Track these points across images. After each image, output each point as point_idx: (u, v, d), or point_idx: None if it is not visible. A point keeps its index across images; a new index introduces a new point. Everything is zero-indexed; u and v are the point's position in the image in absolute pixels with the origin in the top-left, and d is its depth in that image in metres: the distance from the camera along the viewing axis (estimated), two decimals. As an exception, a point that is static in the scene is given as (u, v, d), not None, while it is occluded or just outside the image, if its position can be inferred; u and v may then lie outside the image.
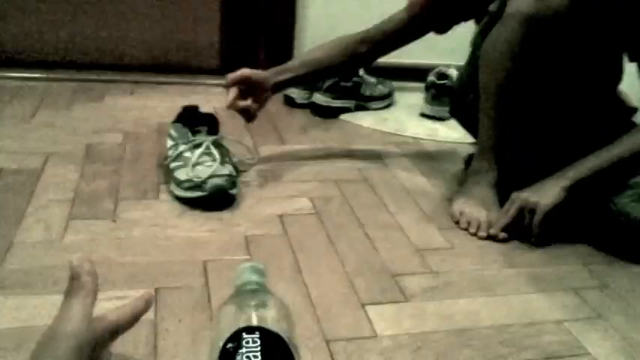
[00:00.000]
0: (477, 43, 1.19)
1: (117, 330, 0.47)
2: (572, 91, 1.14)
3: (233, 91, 1.18)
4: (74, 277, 0.47)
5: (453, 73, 1.68)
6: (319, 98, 1.64)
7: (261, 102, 1.23)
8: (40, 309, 0.76)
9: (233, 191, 1.10)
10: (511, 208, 1.08)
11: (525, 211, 1.06)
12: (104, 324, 0.46)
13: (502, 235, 1.08)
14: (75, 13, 1.75)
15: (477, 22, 1.25)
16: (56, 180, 1.12)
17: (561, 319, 0.88)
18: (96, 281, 0.48)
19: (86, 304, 0.44)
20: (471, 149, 1.45)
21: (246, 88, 1.20)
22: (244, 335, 0.50)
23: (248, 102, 1.20)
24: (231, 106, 1.18)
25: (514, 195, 1.09)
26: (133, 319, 0.49)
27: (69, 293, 0.45)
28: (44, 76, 1.69)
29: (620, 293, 0.96)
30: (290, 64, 1.28)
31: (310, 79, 1.38)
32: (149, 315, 0.78)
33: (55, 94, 1.59)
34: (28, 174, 1.13)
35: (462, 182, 1.23)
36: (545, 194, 1.05)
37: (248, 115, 1.22)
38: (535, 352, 0.80)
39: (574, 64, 1.11)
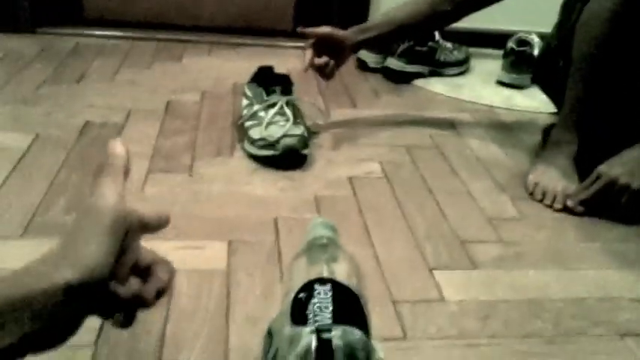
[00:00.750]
0: (570, 7, 1.13)
1: (146, 225, 0.46)
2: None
3: (310, 51, 1.18)
4: (108, 159, 0.45)
5: (534, 40, 1.61)
6: (393, 63, 1.62)
7: (340, 61, 1.22)
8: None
9: (305, 152, 1.11)
10: (595, 183, 1.03)
11: (614, 189, 1.01)
12: (134, 211, 0.45)
13: (580, 208, 1.04)
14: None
15: None
16: (137, 135, 1.17)
17: (638, 296, 0.85)
18: (125, 161, 0.46)
19: (117, 182, 0.43)
20: (549, 120, 1.40)
21: (325, 45, 1.19)
22: (316, 286, 0.51)
23: (325, 60, 1.20)
24: (310, 65, 1.17)
25: (601, 169, 1.03)
26: (156, 227, 0.47)
27: (98, 173, 0.44)
28: (127, 35, 1.75)
29: None
30: (372, 22, 1.26)
31: (392, 38, 1.35)
32: (221, 265, 0.82)
33: (137, 54, 1.64)
34: (111, 128, 1.19)
35: (538, 153, 1.19)
36: (636, 174, 1.00)
37: (325, 74, 1.22)
38: (609, 327, 0.78)
39: None
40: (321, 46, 1.19)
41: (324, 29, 1.18)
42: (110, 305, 0.44)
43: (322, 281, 0.51)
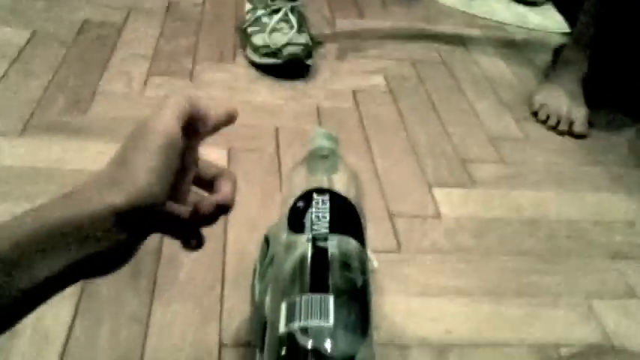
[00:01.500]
0: None
1: (214, 125, 0.44)
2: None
3: None
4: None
5: (554, -46, 1.54)
6: (405, -28, 1.55)
7: None
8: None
9: (308, 61, 1.09)
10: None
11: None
12: (200, 110, 0.42)
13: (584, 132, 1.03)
14: None
15: None
16: (137, 35, 1.14)
17: (634, 220, 0.85)
18: (211, 116, 0.43)
19: (180, 106, 0.40)
20: (561, 40, 1.36)
21: None
22: (315, 196, 0.51)
23: None
24: None
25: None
26: (225, 124, 0.45)
27: (166, 98, 0.41)
28: None
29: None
30: None
31: None
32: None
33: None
34: (111, 27, 1.15)
35: (547, 74, 1.17)
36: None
37: None
38: (602, 250, 0.79)
39: None
40: None
41: None
42: (170, 225, 0.43)
43: (321, 191, 0.51)
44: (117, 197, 0.35)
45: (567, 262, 0.76)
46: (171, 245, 0.69)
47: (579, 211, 0.86)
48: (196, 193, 0.45)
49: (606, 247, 0.80)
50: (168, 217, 0.42)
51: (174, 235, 0.44)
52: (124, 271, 0.39)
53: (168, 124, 0.38)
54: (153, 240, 0.68)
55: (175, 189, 0.41)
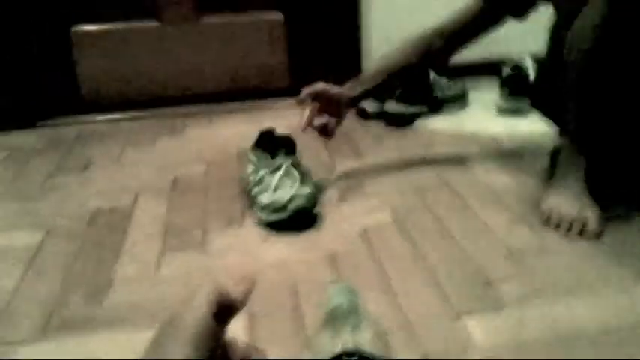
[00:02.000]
0: (557, 35, 1.14)
1: (237, 303, 0.42)
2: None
3: (308, 110, 1.18)
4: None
5: (529, 63, 1.62)
6: (391, 107, 1.63)
7: (339, 117, 1.23)
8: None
9: (315, 210, 1.11)
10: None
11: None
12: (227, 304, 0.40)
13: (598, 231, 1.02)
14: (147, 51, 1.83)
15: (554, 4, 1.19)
16: (147, 215, 1.17)
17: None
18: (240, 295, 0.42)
19: (214, 295, 0.40)
20: (555, 142, 1.38)
21: (322, 103, 1.20)
22: (344, 358, 0.50)
23: (325, 119, 1.20)
24: (308, 124, 1.18)
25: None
26: (243, 303, 0.44)
27: (197, 287, 0.41)
28: (127, 116, 1.78)
29: None
30: (366, 74, 1.28)
31: (388, 84, 1.35)
32: (243, 338, 0.80)
33: (139, 133, 1.66)
34: (121, 212, 1.19)
35: (549, 179, 1.18)
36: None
37: (326, 132, 1.22)
38: (651, 353, 0.75)
39: None
40: (319, 102, 1.19)
41: (320, 86, 1.19)
42: None
43: (349, 354, 0.50)
44: None
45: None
46: None
47: (615, 315, 0.82)
48: None
49: (656, 350, 0.75)
50: None
51: None
52: None
53: (198, 314, 0.38)
54: None
55: None
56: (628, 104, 1.10)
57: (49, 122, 1.76)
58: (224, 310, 0.42)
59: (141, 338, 0.41)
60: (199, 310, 0.38)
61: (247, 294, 0.45)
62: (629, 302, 0.85)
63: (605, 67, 1.03)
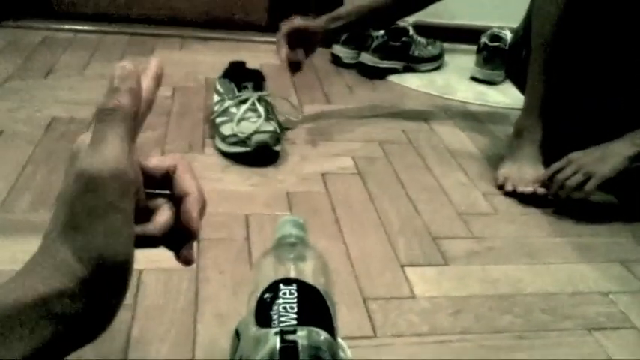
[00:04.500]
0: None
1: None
2: (630, 51, 1.08)
3: (285, 46, 1.16)
4: (110, 92, 0.34)
5: (507, 35, 1.62)
6: (367, 58, 1.61)
7: (309, 50, 1.21)
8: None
9: (276, 148, 1.10)
10: (565, 169, 1.03)
11: (580, 174, 1.01)
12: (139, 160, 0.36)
13: (541, 190, 1.04)
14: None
15: None
16: (106, 130, 1.14)
17: (607, 290, 0.85)
18: (138, 102, 0.35)
19: (125, 132, 0.33)
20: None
21: (297, 37, 1.18)
22: (281, 286, 0.50)
23: (299, 56, 1.18)
24: (285, 60, 1.16)
25: (572, 156, 1.03)
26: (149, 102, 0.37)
27: (101, 116, 0.33)
28: (97, 29, 1.71)
29: (672, 267, 0.92)
30: (343, 10, 1.25)
31: (362, 25, 1.33)
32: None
33: (107, 48, 1.61)
34: (79, 123, 1.16)
35: (509, 146, 1.20)
36: (606, 162, 1.00)
37: (297, 67, 1.20)
38: (578, 322, 0.78)
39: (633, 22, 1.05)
40: (293, 38, 1.17)
41: (297, 22, 1.17)
42: (147, 246, 0.38)
43: (287, 281, 0.51)
44: (81, 269, 0.32)
45: (545, 337, 0.75)
46: (139, 338, 0.66)
47: (552, 283, 0.86)
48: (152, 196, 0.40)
49: (583, 319, 0.79)
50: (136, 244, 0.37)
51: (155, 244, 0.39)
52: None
53: (116, 165, 0.32)
54: (120, 336, 0.66)
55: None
56: (589, 75, 1.12)
57: (14, 23, 1.68)
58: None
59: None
60: (110, 160, 0.33)
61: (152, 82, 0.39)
62: (569, 274, 0.88)
63: (567, 36, 1.04)
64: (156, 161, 0.40)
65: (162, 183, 0.40)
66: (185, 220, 0.38)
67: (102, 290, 0.33)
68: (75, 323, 0.32)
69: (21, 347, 0.31)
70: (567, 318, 0.79)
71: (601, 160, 1.00)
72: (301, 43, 1.19)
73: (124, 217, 0.33)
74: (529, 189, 1.05)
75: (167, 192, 0.40)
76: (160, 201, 0.40)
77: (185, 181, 0.39)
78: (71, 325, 0.32)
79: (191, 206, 0.38)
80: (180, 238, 0.39)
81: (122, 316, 0.69)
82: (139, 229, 0.37)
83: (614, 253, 0.95)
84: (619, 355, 0.73)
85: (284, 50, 1.16)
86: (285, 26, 1.17)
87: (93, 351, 0.64)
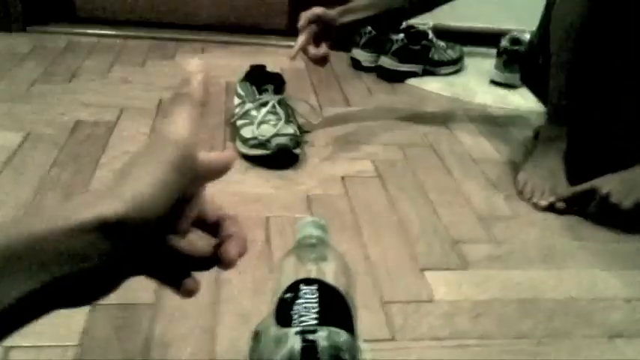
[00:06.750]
0: (551, 4, 1.13)
1: (209, 172, 0.38)
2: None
3: (303, 34, 1.13)
4: (183, 84, 0.39)
5: (527, 38, 1.61)
6: (386, 62, 1.62)
7: (326, 41, 1.17)
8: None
9: (296, 150, 1.11)
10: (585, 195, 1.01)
11: (604, 204, 0.99)
12: (202, 155, 0.37)
13: (560, 204, 1.03)
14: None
15: None
16: (129, 132, 1.16)
17: (630, 297, 0.84)
18: (206, 94, 0.39)
19: (193, 114, 0.37)
20: (541, 118, 1.39)
21: (320, 28, 1.15)
22: (302, 287, 0.51)
23: (324, 50, 1.16)
24: (301, 50, 1.14)
25: (596, 183, 1.01)
26: (222, 170, 0.39)
27: (174, 101, 0.37)
28: (119, 33, 1.74)
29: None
30: (358, 2, 1.23)
31: (377, 20, 1.31)
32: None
33: (130, 52, 1.63)
34: (103, 126, 1.18)
35: (530, 151, 1.19)
36: (631, 192, 0.98)
37: (323, 61, 1.18)
38: (601, 328, 0.78)
39: None
40: (315, 31, 1.15)
41: (316, 10, 1.14)
42: (166, 264, 0.38)
43: (308, 281, 0.51)
44: (108, 207, 0.31)
45: (565, 342, 0.75)
46: (160, 338, 0.67)
47: (574, 289, 0.85)
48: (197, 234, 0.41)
49: (604, 326, 0.78)
50: (168, 251, 0.37)
51: (165, 276, 0.39)
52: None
53: (181, 134, 0.35)
54: (141, 337, 0.66)
55: (179, 219, 0.36)
56: (612, 81, 1.10)
57: (40, 28, 1.71)
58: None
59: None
60: (180, 127, 0.36)
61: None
62: (590, 279, 0.87)
63: (589, 43, 1.03)
64: (211, 206, 0.42)
65: (211, 228, 0.41)
66: (225, 250, 0.40)
67: (117, 244, 0.32)
68: (85, 270, 0.31)
69: (20, 287, 0.29)
70: (588, 324, 0.78)
71: (624, 192, 0.98)
72: (322, 34, 1.16)
73: (175, 181, 0.34)
74: (544, 202, 1.04)
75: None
76: (200, 234, 0.41)
77: (233, 226, 0.41)
78: (80, 271, 0.31)
79: (234, 244, 0.41)
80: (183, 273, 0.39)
81: (143, 315, 0.70)
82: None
83: (637, 260, 0.94)
84: (642, 361, 0.72)
85: (301, 38, 1.14)
86: (305, 14, 1.14)
87: (113, 350, 0.66)
